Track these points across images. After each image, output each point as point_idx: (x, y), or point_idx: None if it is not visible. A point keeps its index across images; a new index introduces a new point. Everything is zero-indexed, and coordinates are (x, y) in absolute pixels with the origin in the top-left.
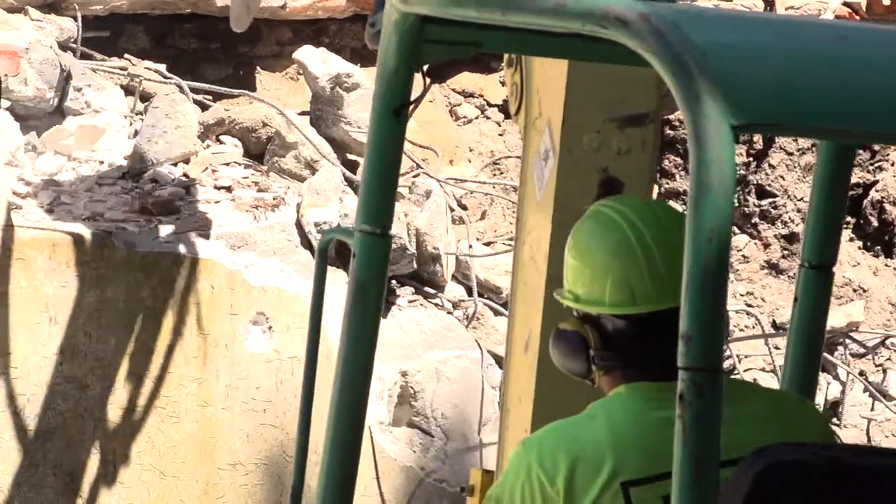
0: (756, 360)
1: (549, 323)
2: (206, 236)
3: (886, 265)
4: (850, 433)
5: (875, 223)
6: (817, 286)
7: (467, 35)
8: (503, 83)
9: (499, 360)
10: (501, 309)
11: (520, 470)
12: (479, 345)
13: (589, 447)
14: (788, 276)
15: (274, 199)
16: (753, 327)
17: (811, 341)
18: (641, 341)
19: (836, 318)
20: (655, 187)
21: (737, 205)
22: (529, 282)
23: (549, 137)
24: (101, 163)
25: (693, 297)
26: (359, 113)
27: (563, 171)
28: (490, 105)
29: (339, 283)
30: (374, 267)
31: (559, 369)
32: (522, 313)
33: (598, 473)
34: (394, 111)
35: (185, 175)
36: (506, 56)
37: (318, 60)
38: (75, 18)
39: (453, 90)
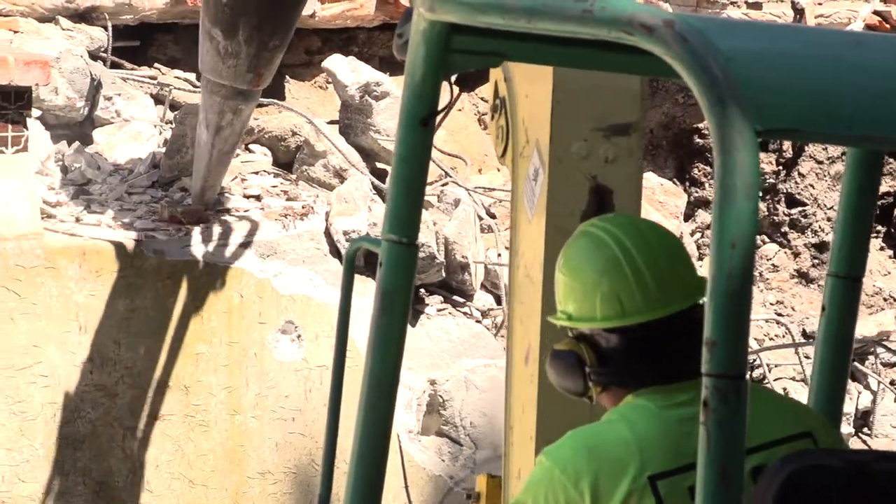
0: (786, 369)
1: (548, 331)
2: (236, 245)
3: None
4: (881, 443)
5: None
6: (845, 296)
7: (493, 46)
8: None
9: None
10: None
11: (542, 477)
12: None
13: (612, 448)
14: (818, 285)
15: (303, 207)
16: (783, 336)
17: (839, 351)
18: (635, 354)
19: (867, 327)
20: (685, 196)
21: (766, 213)
22: (525, 300)
23: (538, 156)
24: (131, 172)
25: (717, 302)
26: (388, 121)
27: (553, 181)
28: None
29: (368, 292)
30: (401, 276)
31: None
32: (521, 331)
33: (625, 471)
34: (421, 121)
35: None
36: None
37: (348, 69)
38: (105, 28)
39: (482, 99)
